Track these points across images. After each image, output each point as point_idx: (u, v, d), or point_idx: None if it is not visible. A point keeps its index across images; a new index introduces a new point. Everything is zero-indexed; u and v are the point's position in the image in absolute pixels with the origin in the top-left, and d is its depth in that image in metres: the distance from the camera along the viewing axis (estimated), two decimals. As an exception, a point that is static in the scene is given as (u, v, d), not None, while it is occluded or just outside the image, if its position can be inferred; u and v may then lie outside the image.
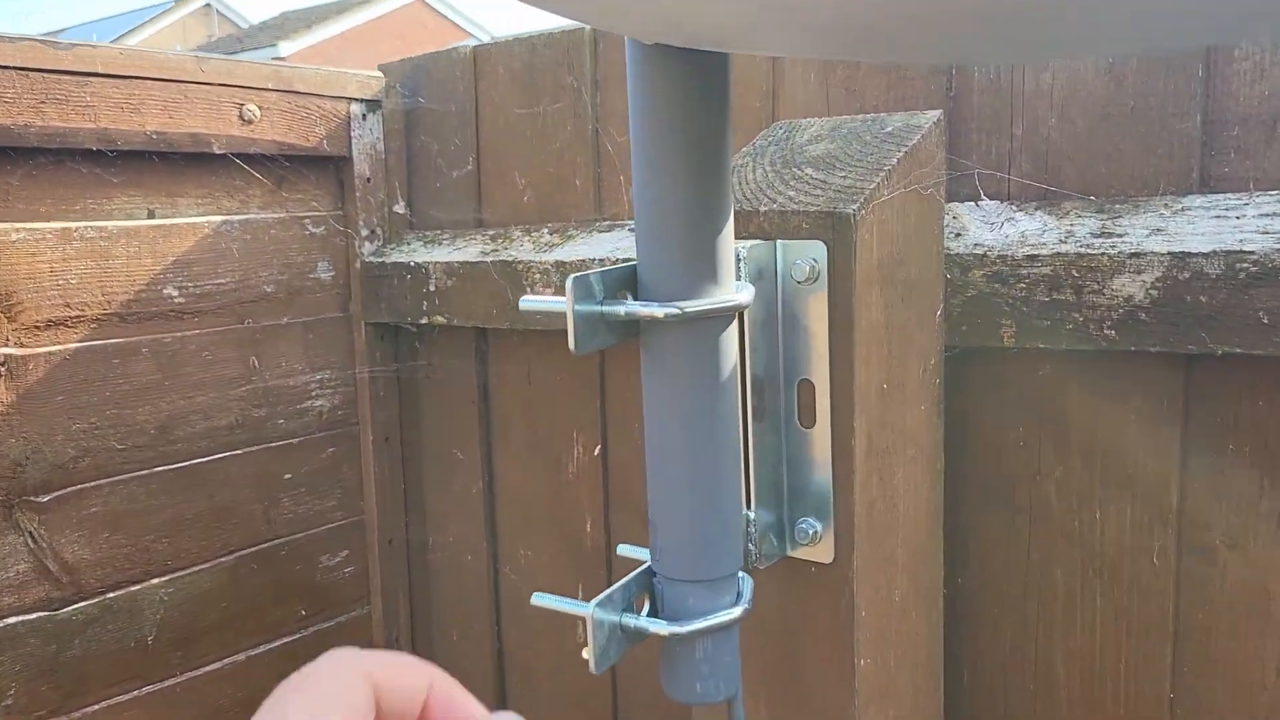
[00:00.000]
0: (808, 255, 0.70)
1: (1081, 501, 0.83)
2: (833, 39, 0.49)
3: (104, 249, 1.04)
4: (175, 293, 1.10)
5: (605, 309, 0.58)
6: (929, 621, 0.83)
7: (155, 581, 1.11)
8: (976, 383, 0.85)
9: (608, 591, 0.61)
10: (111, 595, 1.07)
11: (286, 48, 14.16)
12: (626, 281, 0.60)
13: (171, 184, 1.10)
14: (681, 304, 0.57)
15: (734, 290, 0.59)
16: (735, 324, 0.60)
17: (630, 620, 0.61)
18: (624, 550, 0.71)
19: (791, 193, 0.73)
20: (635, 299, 0.60)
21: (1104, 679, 0.84)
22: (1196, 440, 0.78)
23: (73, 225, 1.02)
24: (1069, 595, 0.85)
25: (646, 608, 0.64)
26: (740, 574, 0.64)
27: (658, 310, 0.57)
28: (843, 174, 0.73)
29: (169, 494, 1.12)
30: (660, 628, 0.60)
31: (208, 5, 18.97)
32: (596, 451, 1.14)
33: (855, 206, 0.69)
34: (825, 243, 0.69)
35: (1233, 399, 0.76)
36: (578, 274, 0.56)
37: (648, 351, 0.60)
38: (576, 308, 0.56)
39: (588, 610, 0.59)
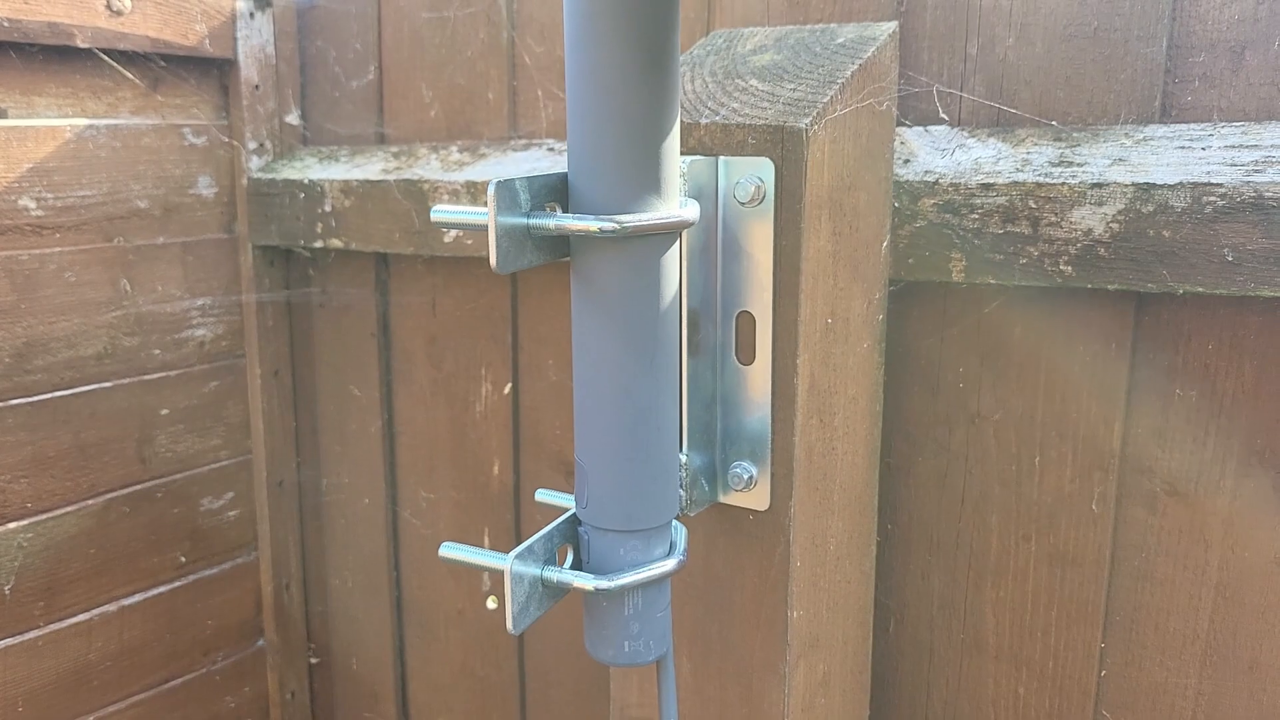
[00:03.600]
0: (753, 174, 0.63)
1: (1021, 445, 0.79)
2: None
3: (-54, 150, 0.91)
4: (33, 204, 0.98)
5: (532, 222, 0.51)
6: (861, 570, 0.79)
7: (13, 526, 1.00)
8: (916, 319, 0.80)
9: (527, 542, 0.54)
10: (-40, 541, 0.96)
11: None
12: (555, 192, 0.53)
13: (27, 80, 0.97)
14: (620, 218, 0.50)
15: (679, 206, 0.52)
16: (678, 245, 0.53)
17: (553, 574, 0.55)
18: (543, 496, 0.64)
19: (735, 104, 0.66)
20: (565, 211, 0.52)
21: (1034, 629, 0.82)
22: (1142, 384, 0.75)
23: (-93, 122, 0.89)
24: (1002, 543, 0.82)
25: (569, 559, 0.58)
26: (674, 524, 0.58)
27: (592, 224, 0.50)
28: (791, 86, 0.66)
29: (27, 429, 1.00)
30: (586, 582, 0.54)
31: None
32: (506, 390, 1.07)
33: (808, 121, 0.62)
34: (773, 160, 0.63)
35: (1182, 342, 0.73)
36: (501, 179, 0.49)
37: (579, 272, 0.53)
38: (500, 219, 0.49)
39: (505, 563, 0.53)
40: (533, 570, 0.54)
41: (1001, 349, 0.78)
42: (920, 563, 0.85)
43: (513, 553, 0.52)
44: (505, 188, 0.48)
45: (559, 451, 1.04)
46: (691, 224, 0.52)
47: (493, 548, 1.11)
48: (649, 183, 0.51)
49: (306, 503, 1.26)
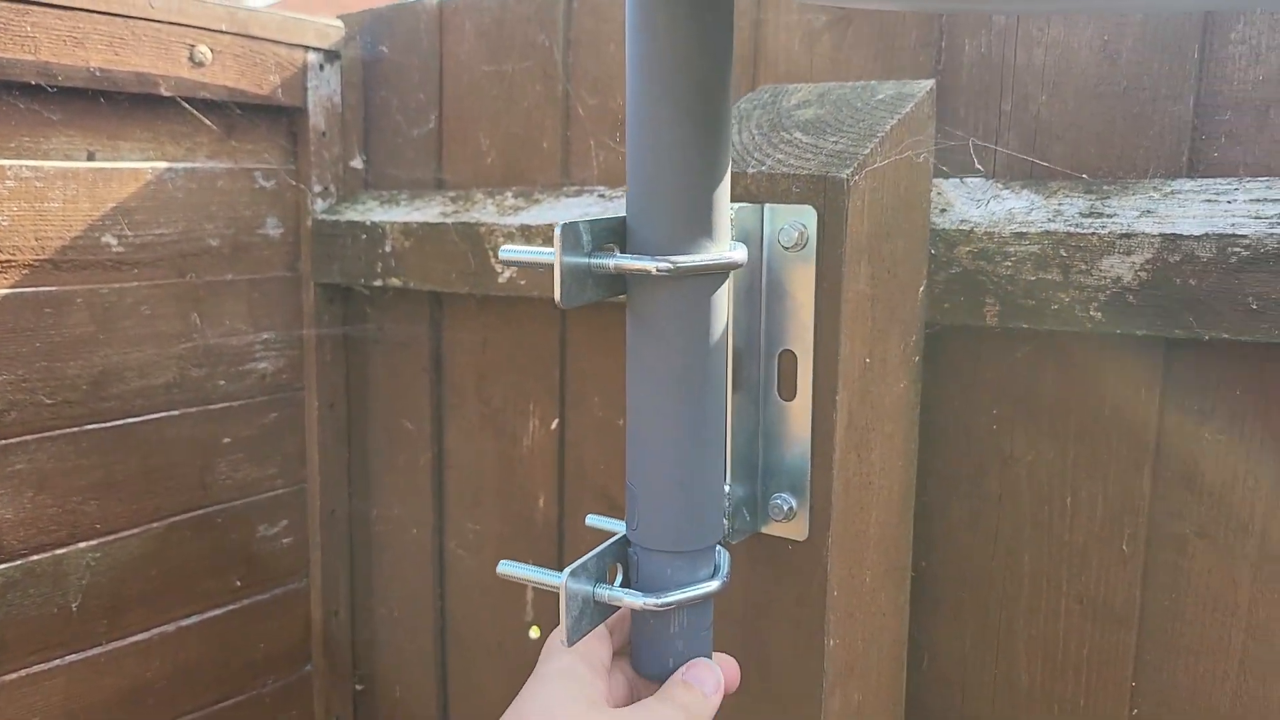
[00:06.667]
0: (797, 220, 0.67)
1: (1052, 488, 0.82)
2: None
3: (39, 190, 0.98)
4: (114, 241, 1.04)
5: (594, 261, 0.55)
6: (896, 604, 0.81)
7: (82, 545, 1.05)
8: (950, 362, 0.84)
9: (581, 561, 0.57)
10: (35, 558, 1.01)
11: None
12: (614, 234, 0.57)
13: (114, 126, 1.03)
14: (674, 258, 0.54)
15: (728, 249, 0.56)
16: (727, 285, 0.57)
17: (604, 591, 0.58)
18: (593, 521, 0.68)
19: (780, 155, 0.71)
20: (623, 252, 0.57)
21: (1065, 667, 0.84)
22: (1171, 428, 0.77)
23: (6, 164, 0.96)
24: (1035, 582, 0.84)
25: (619, 578, 0.61)
26: (718, 547, 0.61)
27: (649, 264, 0.54)
28: (834, 139, 0.71)
29: (100, 454, 1.06)
30: (636, 600, 0.57)
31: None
32: (553, 426, 1.11)
33: (849, 172, 0.66)
34: (816, 208, 0.67)
35: (1210, 387, 0.75)
36: (566, 222, 0.53)
37: (635, 309, 0.57)
38: (565, 258, 0.53)
39: (560, 580, 0.56)
40: (585, 588, 0.57)
41: (1033, 393, 0.81)
42: (953, 600, 0.87)
43: (566, 570, 0.56)
44: (570, 229, 0.53)
45: (602, 485, 1.08)
46: (740, 265, 0.56)
47: (536, 579, 1.15)
48: (701, 227, 0.55)
49: (356, 532, 1.30)
